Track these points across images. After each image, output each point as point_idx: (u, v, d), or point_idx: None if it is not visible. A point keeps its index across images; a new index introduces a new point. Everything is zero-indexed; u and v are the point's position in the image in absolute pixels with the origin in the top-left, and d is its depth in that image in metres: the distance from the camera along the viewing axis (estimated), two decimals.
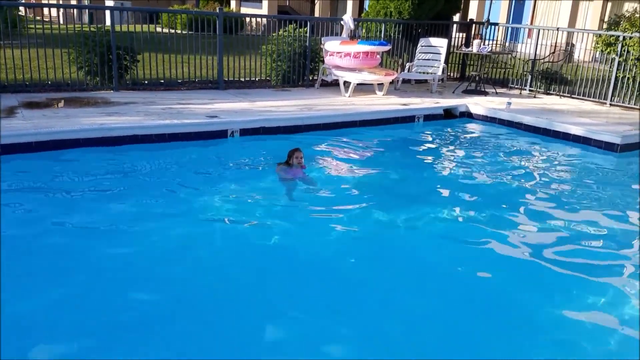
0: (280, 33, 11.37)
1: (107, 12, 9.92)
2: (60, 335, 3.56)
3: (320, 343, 3.67)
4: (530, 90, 12.28)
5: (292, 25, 11.46)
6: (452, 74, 14.12)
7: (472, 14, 21.77)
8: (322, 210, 5.78)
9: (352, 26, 11.52)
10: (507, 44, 14.20)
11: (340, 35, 11.74)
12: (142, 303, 4.00)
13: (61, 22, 10.33)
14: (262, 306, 4.02)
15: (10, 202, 5.39)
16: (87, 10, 15.66)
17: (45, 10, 20.03)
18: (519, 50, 12.98)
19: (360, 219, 5.66)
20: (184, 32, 13.98)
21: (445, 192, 6.77)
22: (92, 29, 9.77)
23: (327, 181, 6.63)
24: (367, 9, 13.92)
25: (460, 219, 5.80)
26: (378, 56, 10.96)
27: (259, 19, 14.70)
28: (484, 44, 12.16)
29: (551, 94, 12.03)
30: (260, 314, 3.92)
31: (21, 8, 12.74)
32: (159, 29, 16.12)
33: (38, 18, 15.77)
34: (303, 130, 8.51)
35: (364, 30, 12.93)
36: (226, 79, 11.09)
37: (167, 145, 7.42)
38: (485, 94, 11.66)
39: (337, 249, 5.01)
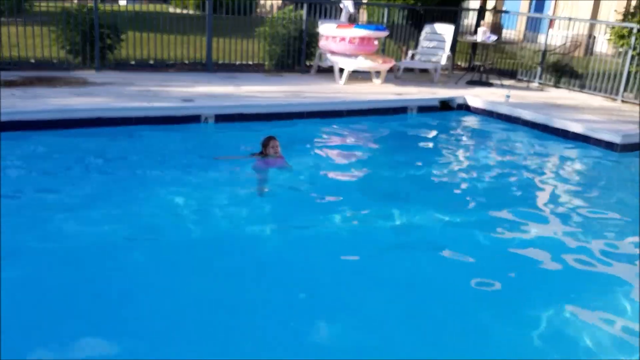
0: (274, 15, 10.91)
1: None
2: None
3: (300, 342, 3.42)
4: (539, 82, 11.63)
5: (289, 7, 10.99)
6: (461, 64, 13.50)
7: (491, 3, 20.98)
8: (297, 202, 5.49)
9: (351, 10, 10.98)
10: (527, 34, 13.47)
11: (339, 18, 11.21)
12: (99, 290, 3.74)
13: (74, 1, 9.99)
14: (228, 302, 3.71)
15: None
16: None
17: None
18: (540, 41, 12.24)
19: (335, 211, 5.30)
20: (191, 12, 13.62)
21: (424, 189, 6.28)
22: (74, 6, 9.44)
23: (303, 173, 6.20)
24: None
25: (436, 215, 5.32)
26: (375, 42, 10.44)
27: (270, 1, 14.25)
28: (490, 33, 11.54)
29: (560, 88, 11.37)
30: (229, 311, 3.62)
31: None
32: (170, 9, 15.76)
33: None
34: (284, 119, 8.06)
35: (368, 16, 12.41)
36: (219, 62, 10.71)
37: (132, 130, 7.03)
38: (490, 85, 11.07)
39: (313, 243, 4.69)
